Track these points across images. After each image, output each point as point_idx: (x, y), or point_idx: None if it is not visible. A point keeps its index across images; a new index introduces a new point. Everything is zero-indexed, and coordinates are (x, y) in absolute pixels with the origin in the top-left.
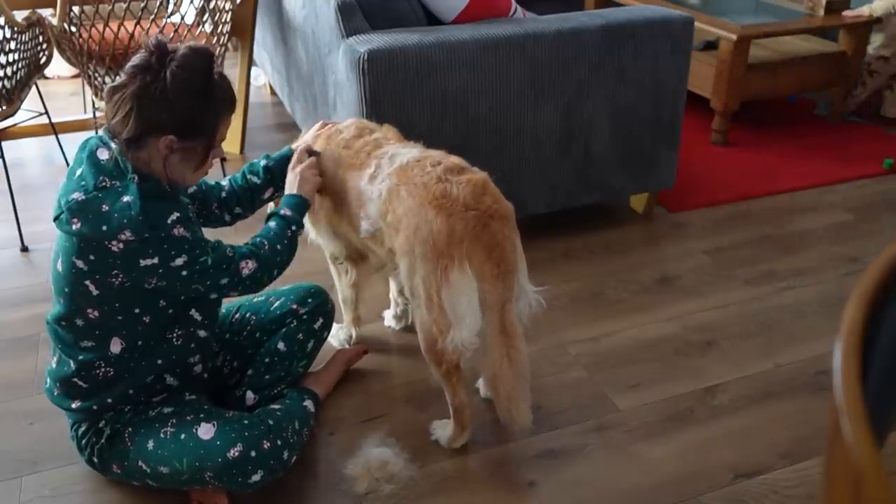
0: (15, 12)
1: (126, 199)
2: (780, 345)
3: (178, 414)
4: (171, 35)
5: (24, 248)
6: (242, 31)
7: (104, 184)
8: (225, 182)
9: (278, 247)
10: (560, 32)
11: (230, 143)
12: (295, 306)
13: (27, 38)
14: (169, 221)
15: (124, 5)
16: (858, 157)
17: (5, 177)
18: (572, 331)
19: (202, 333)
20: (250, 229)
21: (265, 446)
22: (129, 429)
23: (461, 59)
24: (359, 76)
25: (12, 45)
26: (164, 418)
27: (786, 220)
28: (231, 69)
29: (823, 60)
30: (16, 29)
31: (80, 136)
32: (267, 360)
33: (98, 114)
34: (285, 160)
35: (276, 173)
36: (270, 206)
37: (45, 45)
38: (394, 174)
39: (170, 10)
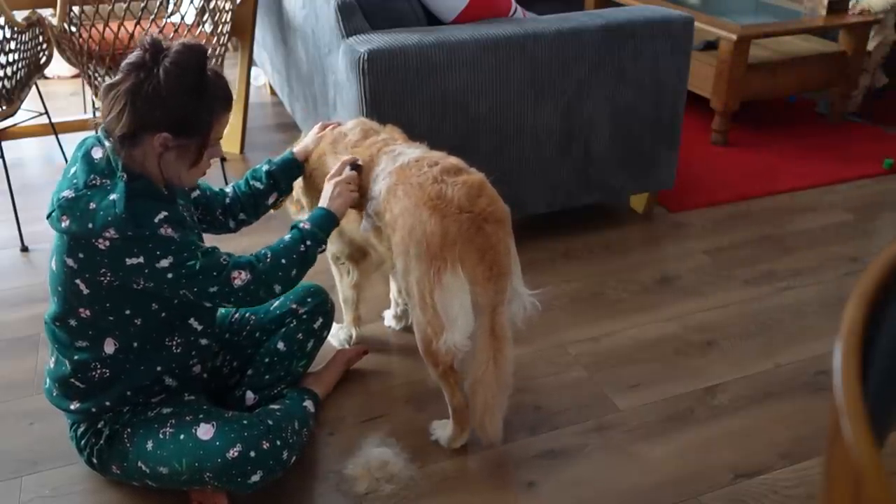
0: (15, 12)
1: (112, 196)
2: (780, 345)
3: (177, 414)
4: (171, 35)
5: (24, 248)
6: (242, 31)
7: (94, 182)
8: (229, 189)
9: (283, 261)
10: (560, 32)
11: (230, 143)
12: (294, 306)
13: (27, 38)
14: (156, 220)
15: (124, 5)
16: (858, 157)
17: (5, 177)
18: (572, 331)
19: (203, 342)
20: (256, 233)
21: (264, 446)
22: (128, 429)
23: (461, 59)
24: (359, 76)
25: (12, 45)
26: (164, 419)
27: (786, 220)
28: (231, 69)
29: (823, 60)
30: (16, 29)
31: (80, 136)
32: (267, 360)
33: (98, 113)
34: (287, 164)
35: (278, 178)
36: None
37: (45, 45)
38: (393, 173)
39: (170, 10)
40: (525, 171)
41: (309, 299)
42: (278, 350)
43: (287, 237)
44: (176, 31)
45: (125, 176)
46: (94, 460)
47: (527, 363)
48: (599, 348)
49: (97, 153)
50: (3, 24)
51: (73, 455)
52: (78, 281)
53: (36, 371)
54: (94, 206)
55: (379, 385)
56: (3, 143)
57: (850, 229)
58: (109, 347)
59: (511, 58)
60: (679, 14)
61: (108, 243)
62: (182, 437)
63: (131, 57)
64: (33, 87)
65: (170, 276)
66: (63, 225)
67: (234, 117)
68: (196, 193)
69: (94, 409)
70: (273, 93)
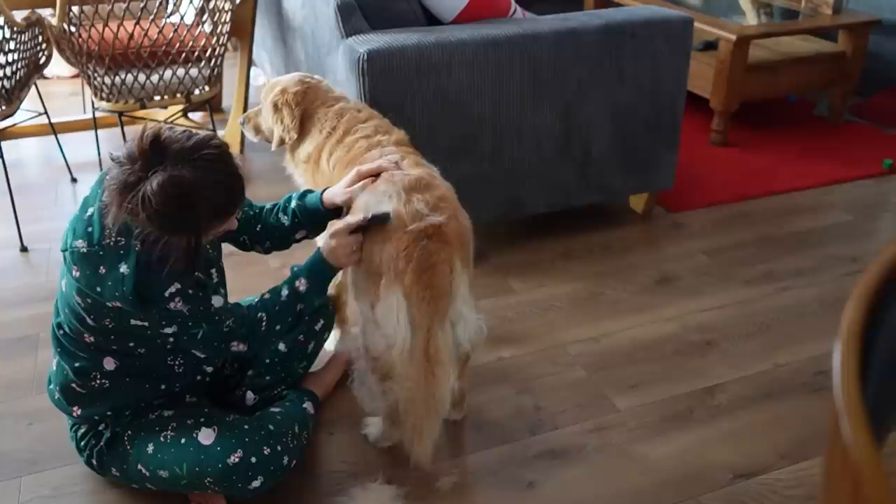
0: (14, 12)
1: (123, 269)
2: (779, 345)
3: (178, 418)
4: (171, 36)
5: (24, 249)
6: (242, 31)
7: (108, 241)
8: (260, 210)
9: (278, 327)
10: (559, 33)
11: (230, 143)
12: None
13: (27, 38)
14: (166, 294)
15: (124, 5)
16: (858, 157)
17: (5, 177)
18: (572, 331)
19: (208, 368)
20: None
21: (265, 452)
22: (129, 432)
23: (461, 59)
24: (358, 76)
25: (12, 45)
26: (165, 422)
27: (785, 221)
28: (231, 69)
29: (823, 61)
30: (15, 29)
31: (80, 137)
32: (267, 361)
33: (98, 114)
34: (315, 212)
35: (304, 221)
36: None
37: (44, 45)
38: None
39: (169, 10)
40: (525, 171)
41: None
42: (279, 351)
43: (284, 294)
44: (175, 31)
45: (139, 245)
46: (94, 462)
47: (527, 363)
48: (599, 348)
49: None
50: (2, 24)
51: (72, 455)
52: (83, 314)
53: (35, 371)
54: (104, 271)
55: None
56: (3, 144)
57: (850, 229)
58: (109, 365)
59: (511, 58)
60: (678, 14)
61: (115, 307)
62: (183, 441)
63: (129, 147)
64: (33, 87)
65: (171, 339)
66: (74, 274)
67: (234, 118)
68: None
69: (96, 417)
70: None
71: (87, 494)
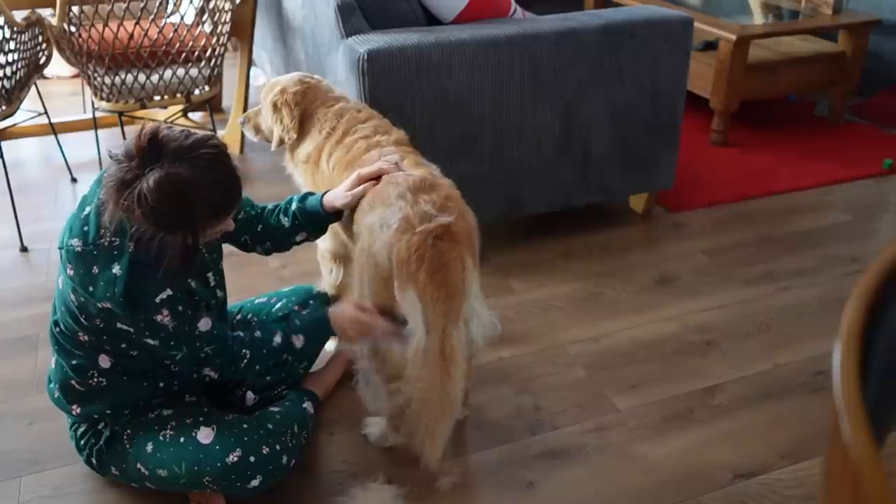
0: (14, 12)
1: (115, 270)
2: (779, 345)
3: (177, 416)
4: (171, 36)
5: (24, 248)
6: (242, 31)
7: (102, 240)
8: (261, 210)
9: (258, 367)
10: (559, 32)
11: (230, 143)
12: (296, 308)
13: (26, 38)
14: (157, 300)
15: (124, 5)
16: (858, 157)
17: (5, 177)
18: (572, 331)
19: (212, 374)
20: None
21: (264, 451)
22: (128, 431)
23: (461, 59)
24: (358, 76)
25: (12, 45)
26: (164, 421)
27: (785, 221)
28: (230, 69)
29: (823, 60)
30: (15, 29)
31: (80, 137)
32: None
33: (98, 114)
34: (314, 214)
35: (304, 224)
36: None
37: (44, 45)
38: (369, 183)
39: (169, 10)
40: (525, 171)
41: (311, 301)
42: None
43: (276, 342)
44: (175, 31)
45: (132, 247)
46: (94, 461)
47: (527, 363)
48: (599, 348)
49: None
50: (2, 24)
51: (72, 455)
52: (77, 313)
53: (35, 371)
54: (97, 271)
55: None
56: (3, 144)
57: (850, 229)
58: (105, 363)
59: (511, 58)
60: (678, 14)
61: (104, 307)
62: (182, 440)
63: (127, 144)
64: (33, 87)
65: (153, 350)
66: (69, 273)
67: (234, 118)
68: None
69: (96, 416)
70: None
71: (86, 494)
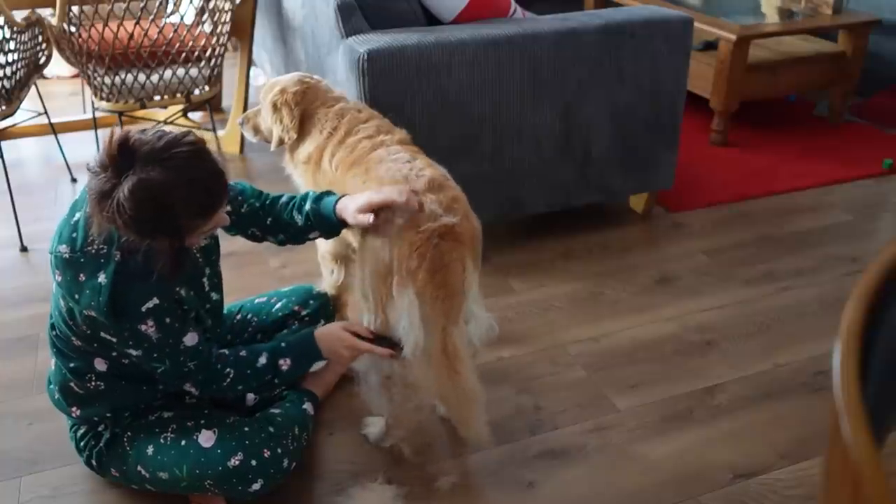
0: (14, 12)
1: (101, 279)
2: (779, 345)
3: (178, 419)
4: (171, 36)
5: (24, 248)
6: (242, 31)
7: (90, 248)
8: (270, 202)
9: (240, 387)
10: (559, 32)
11: (230, 144)
12: (297, 308)
13: (26, 38)
14: (143, 309)
15: (124, 5)
16: (858, 157)
17: (5, 177)
18: (572, 331)
19: (192, 391)
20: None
21: (265, 455)
22: (129, 433)
23: (461, 59)
24: (359, 76)
25: (11, 45)
26: (165, 423)
27: (785, 221)
28: (230, 69)
29: (823, 60)
30: (15, 29)
31: (80, 137)
32: None
33: (98, 114)
34: (328, 220)
35: (317, 226)
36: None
37: (44, 45)
38: (373, 181)
39: (169, 10)
40: (524, 171)
41: (311, 301)
42: None
43: (261, 363)
44: (175, 31)
45: (118, 255)
46: (94, 462)
47: (527, 363)
48: (599, 348)
49: None
50: (2, 23)
51: (72, 455)
52: (67, 318)
53: (35, 371)
54: (84, 279)
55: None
56: (3, 143)
57: (850, 229)
58: (101, 366)
59: (511, 58)
60: (678, 14)
61: (89, 315)
62: (183, 443)
63: (100, 154)
64: (32, 87)
65: (135, 360)
66: (58, 279)
67: (234, 118)
68: (244, 208)
69: (96, 418)
70: None
71: (86, 494)
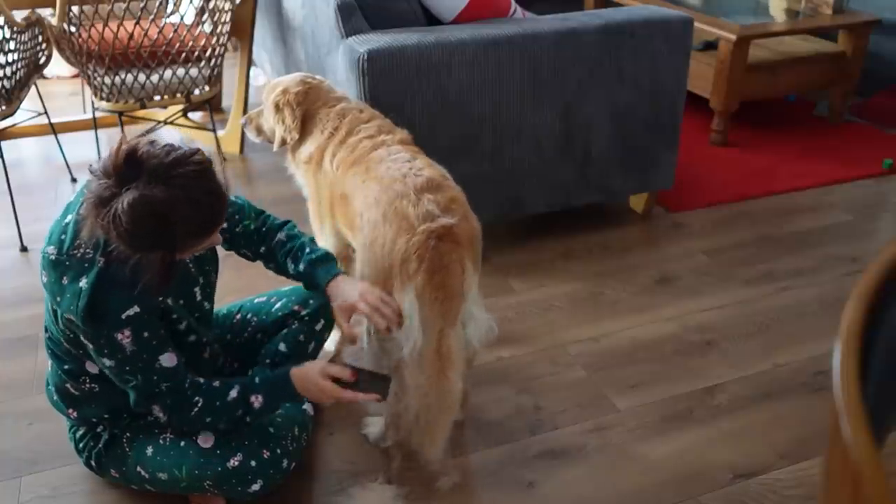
0: (14, 12)
1: (82, 283)
2: (779, 345)
3: None
4: (171, 36)
5: (24, 248)
6: (242, 31)
7: (76, 251)
8: (267, 229)
9: (209, 419)
10: (559, 32)
11: (230, 144)
12: (297, 307)
13: (26, 38)
14: (123, 317)
15: (124, 5)
16: (858, 157)
17: (5, 177)
18: (572, 331)
19: (160, 416)
20: None
21: (265, 455)
22: (128, 434)
23: (461, 59)
24: (359, 76)
25: (12, 44)
26: (163, 424)
27: (785, 221)
28: (230, 69)
29: (823, 61)
30: (15, 29)
31: (80, 137)
32: (268, 361)
33: (98, 114)
34: (315, 287)
35: (305, 284)
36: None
37: (44, 45)
38: (373, 180)
39: (169, 10)
40: (525, 171)
41: (311, 301)
42: (280, 352)
43: (231, 396)
44: (175, 31)
45: (102, 262)
46: (93, 463)
47: (527, 363)
48: (599, 348)
49: None
50: (2, 23)
51: (72, 455)
52: (54, 319)
53: (35, 371)
54: (66, 282)
55: None
56: (3, 144)
57: (850, 229)
58: (93, 368)
59: (511, 58)
60: (678, 14)
61: (69, 319)
62: (182, 443)
63: (106, 160)
64: (32, 87)
65: (108, 372)
66: (43, 279)
67: (234, 118)
68: (240, 226)
69: (93, 419)
70: None
71: (86, 494)
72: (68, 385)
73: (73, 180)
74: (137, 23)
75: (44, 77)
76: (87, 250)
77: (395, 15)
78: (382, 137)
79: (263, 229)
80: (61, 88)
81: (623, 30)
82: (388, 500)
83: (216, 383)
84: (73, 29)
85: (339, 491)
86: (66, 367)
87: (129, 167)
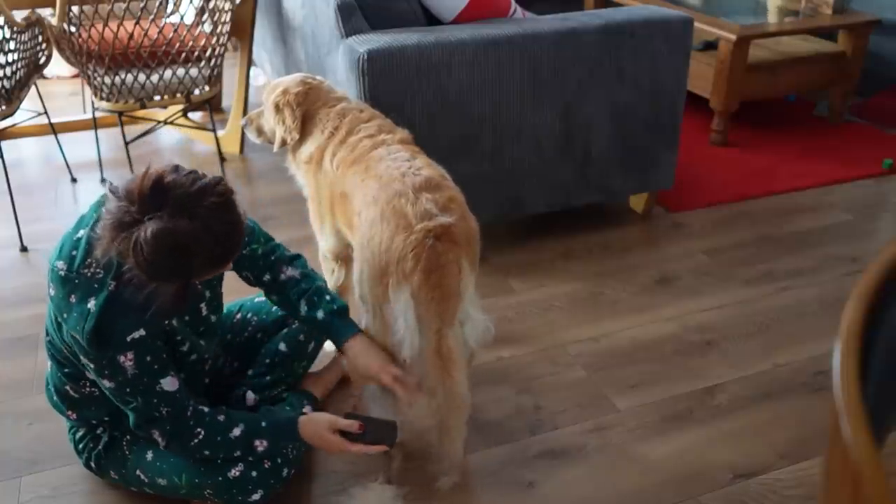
0: (14, 12)
1: (90, 305)
2: (779, 345)
3: None
4: (171, 36)
5: (24, 248)
6: (242, 31)
7: (87, 270)
8: (275, 259)
9: (207, 452)
10: (559, 32)
11: (230, 143)
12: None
13: (26, 38)
14: (128, 339)
15: (124, 5)
16: (858, 157)
17: (5, 177)
18: (572, 331)
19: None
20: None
21: (266, 465)
22: (128, 437)
23: (461, 59)
24: (359, 76)
25: (12, 44)
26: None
27: (785, 220)
28: (230, 69)
29: (823, 60)
30: (15, 29)
31: (80, 137)
32: (268, 360)
33: (98, 114)
34: (331, 339)
35: (320, 333)
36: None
37: (44, 45)
38: (372, 179)
39: (169, 10)
40: (525, 171)
41: None
42: (280, 351)
43: (235, 434)
44: (175, 31)
45: (113, 285)
46: (93, 464)
47: (527, 363)
48: (599, 348)
49: None
50: (2, 23)
51: (72, 455)
52: (56, 329)
53: (35, 371)
54: (74, 301)
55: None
56: (3, 143)
57: (850, 229)
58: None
59: (511, 58)
60: (678, 14)
61: (73, 337)
62: None
63: (130, 184)
64: (32, 87)
65: (108, 393)
66: (51, 293)
67: (234, 118)
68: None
69: (93, 421)
70: None
71: (86, 495)
72: (68, 387)
73: (74, 180)
74: (137, 23)
75: (44, 77)
76: (98, 270)
77: (395, 15)
78: (382, 137)
79: (272, 258)
80: (61, 88)
81: (623, 30)
82: (388, 500)
83: (220, 417)
84: (73, 29)
85: (340, 491)
86: (66, 370)
87: (154, 195)
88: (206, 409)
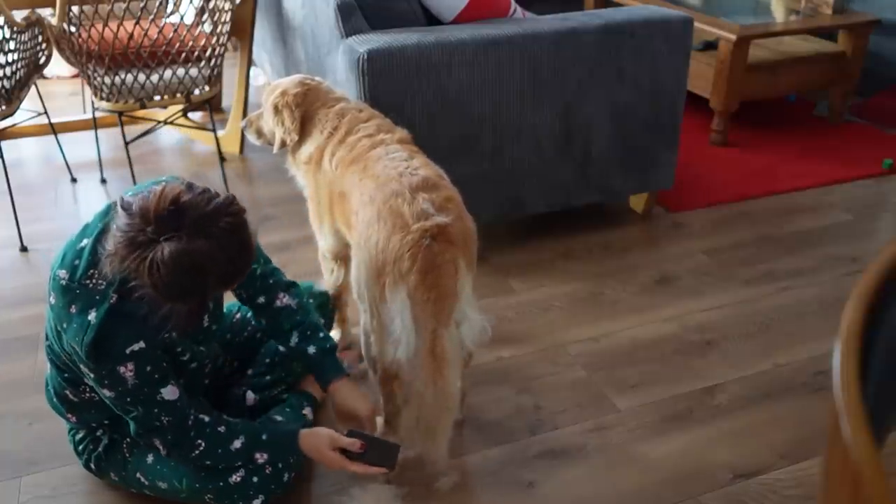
0: (14, 12)
1: (91, 317)
2: (779, 345)
3: None
4: (171, 36)
5: (24, 248)
6: (242, 31)
7: (89, 281)
8: (272, 283)
9: (208, 462)
10: (559, 32)
11: (230, 143)
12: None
13: (26, 38)
14: (127, 351)
15: (124, 5)
16: (858, 157)
17: (5, 177)
18: (572, 331)
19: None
20: None
21: (267, 471)
22: (128, 439)
23: (461, 59)
24: (358, 76)
25: (11, 44)
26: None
27: (785, 220)
28: (230, 69)
29: (823, 60)
30: (15, 29)
31: (80, 137)
32: (267, 360)
33: (98, 114)
34: (315, 376)
35: (306, 367)
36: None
37: (44, 45)
38: (369, 178)
39: (169, 10)
40: (525, 171)
41: (310, 300)
42: (279, 351)
43: (236, 447)
44: (175, 31)
45: (115, 297)
46: (92, 466)
47: (527, 363)
48: (599, 348)
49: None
50: (2, 23)
51: (72, 455)
52: (56, 336)
53: (35, 371)
54: (74, 311)
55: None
56: (3, 143)
57: (850, 229)
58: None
59: (511, 58)
60: (678, 14)
61: (72, 347)
62: None
63: (145, 202)
64: (32, 87)
65: (108, 402)
66: (51, 300)
67: (234, 118)
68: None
69: (93, 424)
70: None
71: (86, 495)
72: (68, 392)
73: (74, 180)
74: (137, 23)
75: (44, 77)
76: (100, 281)
77: (395, 15)
78: (381, 136)
79: (270, 281)
80: (61, 88)
81: (623, 30)
82: (388, 500)
83: (221, 428)
84: (73, 29)
85: (340, 491)
86: (65, 375)
87: (171, 216)
88: (206, 419)
